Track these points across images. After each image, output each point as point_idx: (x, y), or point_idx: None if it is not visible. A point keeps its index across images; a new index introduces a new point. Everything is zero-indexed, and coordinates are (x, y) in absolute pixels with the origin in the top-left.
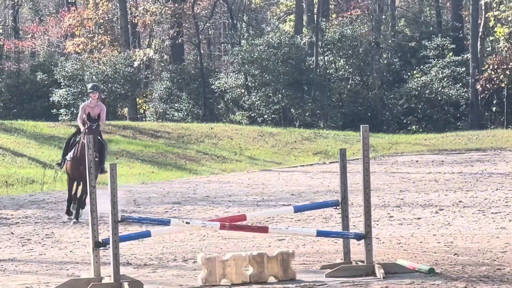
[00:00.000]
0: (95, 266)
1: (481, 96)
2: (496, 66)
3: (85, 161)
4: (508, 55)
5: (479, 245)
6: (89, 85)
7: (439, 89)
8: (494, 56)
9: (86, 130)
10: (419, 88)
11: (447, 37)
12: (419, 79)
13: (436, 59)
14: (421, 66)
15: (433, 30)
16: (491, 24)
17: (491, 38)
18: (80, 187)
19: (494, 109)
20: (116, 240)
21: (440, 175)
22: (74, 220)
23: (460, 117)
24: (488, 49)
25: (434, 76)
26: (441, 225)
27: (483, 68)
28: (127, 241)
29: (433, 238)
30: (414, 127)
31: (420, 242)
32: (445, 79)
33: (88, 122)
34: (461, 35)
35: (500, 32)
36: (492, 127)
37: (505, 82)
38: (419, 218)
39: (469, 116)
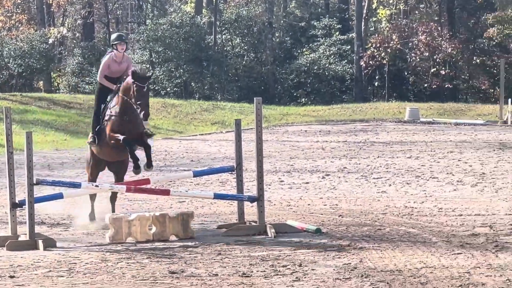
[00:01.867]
0: (12, 225)
1: (365, 72)
2: (378, 45)
3: (132, 114)
4: (389, 35)
5: (362, 207)
6: (114, 35)
7: (327, 65)
8: (376, 35)
9: (135, 93)
10: (308, 64)
11: (334, 18)
12: (308, 56)
13: (324, 38)
14: (310, 44)
15: (321, 11)
16: (374, 6)
17: (374, 19)
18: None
19: (376, 83)
20: (31, 201)
21: (327, 144)
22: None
23: (346, 90)
24: (371, 29)
25: (322, 53)
26: (327, 189)
27: (366, 47)
28: (41, 202)
29: (320, 201)
30: (303, 99)
31: (308, 205)
32: (332, 56)
33: (137, 82)
34: (347, 16)
35: (382, 14)
36: (374, 100)
37: (386, 59)
38: (307, 183)
39: (353, 90)
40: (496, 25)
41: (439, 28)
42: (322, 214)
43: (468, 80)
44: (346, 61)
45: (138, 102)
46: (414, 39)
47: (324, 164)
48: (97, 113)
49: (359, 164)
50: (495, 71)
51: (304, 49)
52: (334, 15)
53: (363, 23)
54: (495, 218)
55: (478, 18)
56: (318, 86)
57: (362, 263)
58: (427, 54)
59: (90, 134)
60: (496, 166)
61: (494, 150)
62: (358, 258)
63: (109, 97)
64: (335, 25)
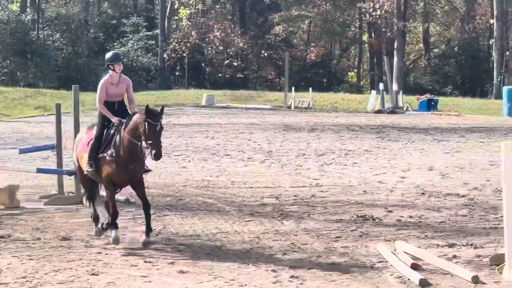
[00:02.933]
0: None
1: (167, 63)
2: (179, 40)
3: (137, 159)
4: (189, 31)
5: (165, 180)
6: (109, 54)
7: (135, 57)
8: (178, 32)
9: (147, 132)
10: None
11: (141, 16)
12: (118, 49)
13: (132, 34)
14: (121, 39)
15: (130, 10)
16: (176, 6)
17: (176, 17)
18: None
19: (177, 73)
20: None
21: None
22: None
23: (151, 80)
24: (173, 26)
25: (131, 47)
26: None
27: (169, 42)
28: None
29: None
30: None
31: None
32: (139, 50)
33: (149, 119)
34: (152, 15)
35: (183, 13)
36: (176, 88)
37: (186, 53)
38: None
39: (158, 79)
40: (281, 24)
41: (232, 25)
42: None
43: (257, 70)
44: (151, 54)
45: (149, 142)
46: (210, 35)
47: None
48: (99, 139)
49: (163, 143)
50: (280, 63)
51: (115, 44)
52: (141, 14)
53: (166, 21)
54: (281, 190)
55: (266, 17)
56: (127, 76)
57: (165, 228)
58: (221, 48)
59: (87, 162)
60: (281, 145)
61: (279, 131)
62: (162, 225)
63: (112, 128)
64: (142, 22)
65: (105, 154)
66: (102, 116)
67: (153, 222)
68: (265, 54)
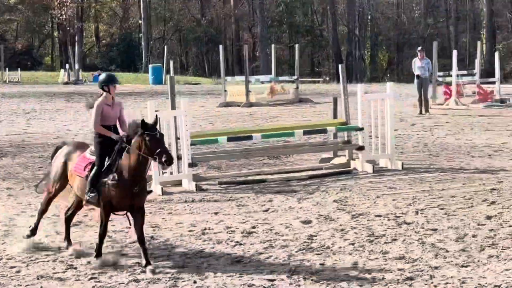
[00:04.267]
0: None
1: None
2: None
3: (141, 180)
4: None
5: None
6: (104, 76)
7: None
8: None
9: (149, 143)
10: None
11: None
12: None
13: None
14: None
15: None
16: None
17: None
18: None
19: None
20: None
21: None
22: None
23: None
24: None
25: None
26: None
27: None
28: None
29: None
30: None
31: None
32: None
33: (147, 131)
34: None
35: None
36: None
37: None
38: None
39: None
40: None
41: None
42: None
43: None
44: None
45: (157, 151)
46: None
47: None
48: (101, 167)
49: None
50: None
51: None
52: None
53: None
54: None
55: None
56: None
57: None
58: None
59: (87, 189)
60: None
61: None
62: None
63: (115, 150)
64: None
65: (105, 180)
66: (100, 143)
67: None
68: None
